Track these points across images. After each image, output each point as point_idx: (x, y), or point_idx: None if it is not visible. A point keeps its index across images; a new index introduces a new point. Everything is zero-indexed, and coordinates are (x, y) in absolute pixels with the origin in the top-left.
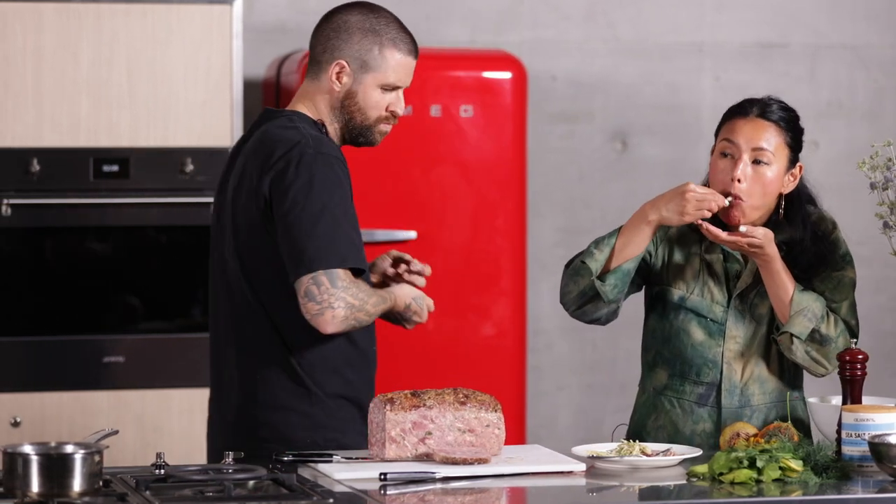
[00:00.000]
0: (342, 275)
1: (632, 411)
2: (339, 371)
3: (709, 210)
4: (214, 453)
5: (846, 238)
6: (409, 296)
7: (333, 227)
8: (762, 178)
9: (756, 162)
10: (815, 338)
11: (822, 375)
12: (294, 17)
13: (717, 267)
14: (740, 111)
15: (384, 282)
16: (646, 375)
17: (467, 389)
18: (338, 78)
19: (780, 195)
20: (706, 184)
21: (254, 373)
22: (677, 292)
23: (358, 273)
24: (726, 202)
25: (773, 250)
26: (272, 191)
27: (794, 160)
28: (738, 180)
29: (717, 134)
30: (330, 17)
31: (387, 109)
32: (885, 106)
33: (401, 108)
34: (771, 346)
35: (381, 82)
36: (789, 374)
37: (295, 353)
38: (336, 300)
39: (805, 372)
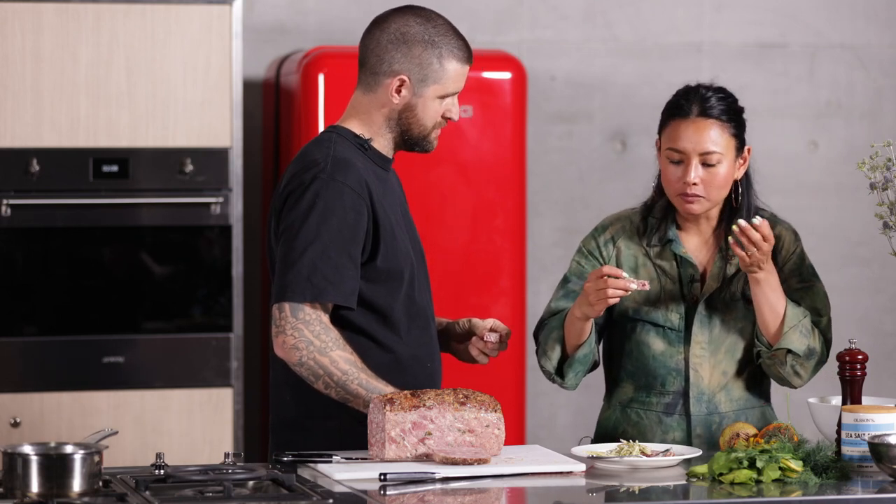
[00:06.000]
0: (308, 309)
1: (596, 425)
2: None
3: (619, 289)
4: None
5: (846, 238)
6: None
7: (320, 258)
8: (716, 177)
9: (706, 164)
10: (805, 352)
11: (796, 388)
12: (294, 17)
13: (672, 273)
14: (680, 112)
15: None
16: (611, 390)
17: (467, 390)
18: (397, 91)
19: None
20: (658, 184)
21: (274, 387)
22: (631, 305)
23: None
24: (632, 286)
25: (768, 270)
26: (281, 210)
27: (741, 146)
28: (694, 183)
29: (659, 132)
30: (384, 25)
31: (442, 116)
32: (884, 106)
33: (456, 114)
34: (738, 352)
35: (441, 93)
36: (757, 381)
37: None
38: (291, 329)
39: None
